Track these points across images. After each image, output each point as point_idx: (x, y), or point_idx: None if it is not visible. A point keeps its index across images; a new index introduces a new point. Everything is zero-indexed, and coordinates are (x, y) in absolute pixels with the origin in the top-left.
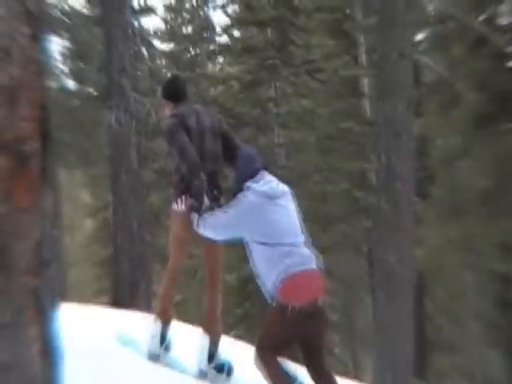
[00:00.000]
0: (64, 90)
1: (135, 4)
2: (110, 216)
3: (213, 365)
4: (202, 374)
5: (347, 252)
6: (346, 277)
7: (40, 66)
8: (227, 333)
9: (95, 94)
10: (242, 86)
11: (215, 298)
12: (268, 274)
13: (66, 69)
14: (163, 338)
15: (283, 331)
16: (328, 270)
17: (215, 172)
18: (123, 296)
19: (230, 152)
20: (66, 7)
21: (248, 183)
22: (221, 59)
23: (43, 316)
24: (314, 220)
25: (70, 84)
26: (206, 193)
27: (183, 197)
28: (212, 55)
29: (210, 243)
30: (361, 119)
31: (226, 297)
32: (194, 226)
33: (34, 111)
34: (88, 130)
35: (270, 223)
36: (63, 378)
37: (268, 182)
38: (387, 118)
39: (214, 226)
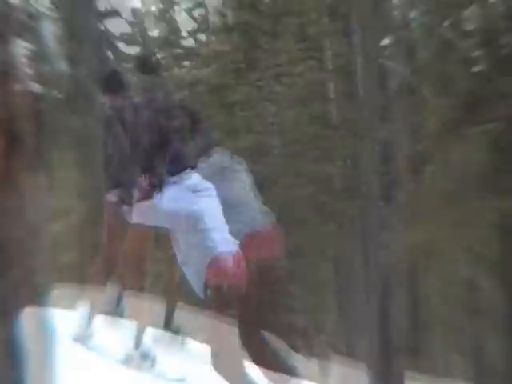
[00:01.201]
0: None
1: (101, 7)
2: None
3: (139, 352)
4: (128, 359)
5: (312, 256)
6: (310, 281)
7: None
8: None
9: (88, 75)
10: (207, 90)
11: (174, 265)
12: (196, 262)
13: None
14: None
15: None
16: (292, 274)
17: (152, 166)
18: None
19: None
20: (32, 9)
21: (173, 179)
22: (187, 63)
23: (7, 318)
24: (280, 224)
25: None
26: (138, 187)
27: (115, 192)
28: (178, 59)
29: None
30: (327, 123)
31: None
32: (122, 214)
33: (26, 93)
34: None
35: (193, 213)
36: (27, 379)
37: (192, 179)
38: (352, 122)
39: (144, 213)
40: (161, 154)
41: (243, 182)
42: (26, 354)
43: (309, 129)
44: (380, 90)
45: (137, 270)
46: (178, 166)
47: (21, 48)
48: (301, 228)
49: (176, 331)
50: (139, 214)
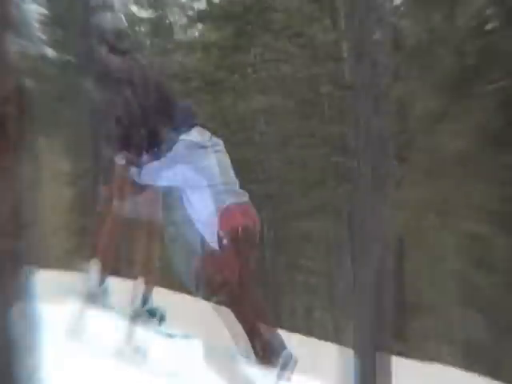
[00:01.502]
0: (43, 57)
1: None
2: (89, 184)
3: (145, 308)
4: (135, 316)
5: (327, 216)
6: (326, 241)
7: (13, 26)
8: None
9: (74, 61)
10: (220, 53)
11: (153, 245)
12: (208, 214)
13: (44, 37)
14: (102, 281)
15: (243, 255)
16: (308, 234)
17: (157, 130)
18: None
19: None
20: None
21: (182, 136)
22: (200, 26)
23: (21, 278)
24: (294, 185)
25: (50, 52)
26: (146, 148)
27: (125, 152)
28: (191, 21)
29: (150, 191)
30: (340, 83)
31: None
32: (134, 177)
33: (9, 75)
34: (68, 97)
35: (203, 168)
36: (40, 344)
37: (200, 135)
38: (365, 81)
39: (152, 172)
40: (161, 117)
41: (221, 160)
42: (38, 318)
43: (322, 89)
44: (394, 50)
45: (113, 250)
46: (185, 123)
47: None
48: (316, 188)
49: (153, 313)
50: (149, 174)
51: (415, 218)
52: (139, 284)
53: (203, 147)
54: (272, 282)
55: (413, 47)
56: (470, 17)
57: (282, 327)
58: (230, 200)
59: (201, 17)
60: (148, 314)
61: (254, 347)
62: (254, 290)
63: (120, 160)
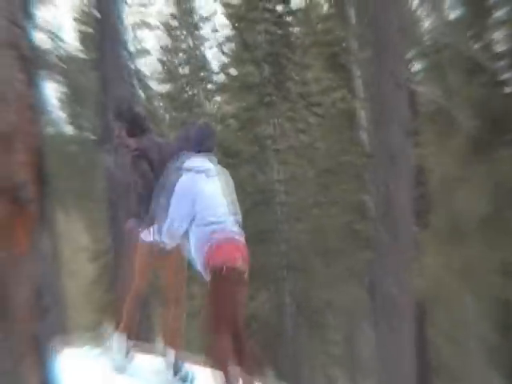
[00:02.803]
0: (61, 135)
1: (131, 46)
2: (110, 260)
3: (178, 376)
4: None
5: (349, 285)
6: (348, 309)
7: (35, 111)
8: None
9: (92, 138)
10: (240, 124)
11: (179, 314)
12: (201, 249)
13: (62, 114)
14: (127, 351)
15: (224, 295)
16: (330, 304)
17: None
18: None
19: None
20: (62, 52)
21: (184, 163)
22: (218, 98)
23: (43, 363)
24: (315, 254)
25: (67, 129)
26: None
27: (152, 228)
28: (209, 94)
29: (174, 259)
30: (359, 152)
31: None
32: (157, 238)
33: (29, 157)
34: (86, 174)
35: (203, 198)
36: None
37: (205, 162)
38: (384, 149)
39: (169, 223)
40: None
41: (226, 185)
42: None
43: (342, 158)
44: (411, 115)
45: (135, 323)
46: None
47: (52, 91)
48: (337, 256)
49: (185, 379)
50: (156, 231)
51: (438, 284)
52: (169, 354)
53: (206, 174)
54: (294, 351)
55: (431, 112)
56: (488, 80)
57: None
58: (220, 236)
59: (219, 89)
60: (181, 381)
61: None
62: (224, 335)
63: (146, 236)
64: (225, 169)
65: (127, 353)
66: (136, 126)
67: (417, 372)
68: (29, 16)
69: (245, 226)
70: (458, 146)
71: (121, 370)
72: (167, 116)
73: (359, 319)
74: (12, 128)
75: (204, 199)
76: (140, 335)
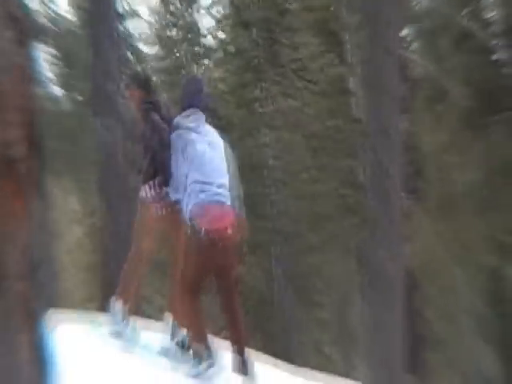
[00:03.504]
0: (50, 96)
1: (120, 8)
2: (97, 222)
3: (175, 341)
4: (165, 351)
5: (336, 251)
6: (336, 275)
7: (26, 71)
8: (217, 334)
9: (81, 99)
10: (227, 88)
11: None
12: (187, 202)
13: (52, 75)
14: (124, 316)
15: (199, 258)
16: (317, 269)
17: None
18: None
19: None
20: (51, 13)
21: (176, 119)
22: (206, 61)
23: (33, 321)
24: (303, 219)
25: (57, 90)
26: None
27: (151, 183)
28: (197, 57)
29: (178, 229)
30: (348, 117)
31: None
32: (166, 197)
33: (20, 116)
34: (75, 136)
35: (196, 156)
36: None
37: (186, 118)
38: (374, 115)
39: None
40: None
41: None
42: (54, 360)
43: (330, 123)
44: (401, 82)
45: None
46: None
47: (41, 52)
48: (325, 222)
49: (183, 345)
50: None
51: (426, 251)
52: (167, 318)
53: (196, 131)
54: (282, 316)
55: (420, 78)
56: (477, 47)
57: (292, 362)
58: (208, 201)
59: (207, 53)
60: (178, 346)
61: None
62: (192, 294)
63: (148, 193)
64: (214, 129)
65: (123, 319)
66: (147, 87)
67: (406, 342)
68: None
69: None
70: (448, 114)
71: (118, 335)
72: (155, 78)
73: (347, 286)
74: (2, 87)
75: (192, 155)
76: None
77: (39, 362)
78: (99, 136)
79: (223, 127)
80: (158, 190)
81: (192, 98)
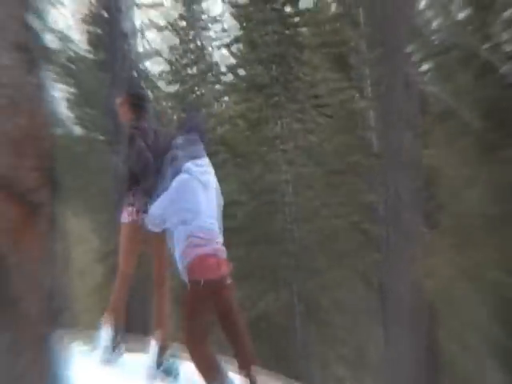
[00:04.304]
0: (70, 136)
1: (139, 47)
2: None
3: (162, 368)
4: (152, 377)
5: (358, 285)
6: (357, 310)
7: (46, 114)
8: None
9: (101, 138)
10: (248, 125)
11: (164, 296)
12: (182, 253)
13: (71, 115)
14: (113, 343)
15: (199, 305)
16: (339, 305)
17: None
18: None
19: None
20: (71, 53)
21: (188, 164)
22: (226, 98)
23: (52, 365)
24: (324, 255)
25: (76, 130)
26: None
27: (131, 209)
28: (218, 95)
29: (159, 245)
30: (368, 152)
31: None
32: (145, 223)
33: (41, 161)
34: (94, 175)
35: (197, 202)
36: None
37: (206, 173)
38: (394, 149)
39: (156, 210)
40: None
41: (209, 197)
42: (63, 378)
43: (350, 158)
44: (420, 116)
45: (123, 305)
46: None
47: (61, 92)
48: (346, 257)
49: (168, 372)
50: (153, 208)
51: (447, 284)
52: (154, 341)
53: (205, 186)
54: (304, 353)
55: (440, 112)
56: (498, 81)
57: None
58: (202, 249)
59: (227, 89)
60: (164, 373)
61: None
62: (201, 344)
63: (127, 217)
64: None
65: (114, 345)
66: (139, 102)
67: (425, 373)
68: (38, 18)
69: (253, 226)
70: (467, 147)
71: (108, 362)
72: (175, 117)
73: (368, 320)
74: (23, 132)
75: (196, 208)
76: (132, 327)
77: (51, 382)
78: (118, 175)
79: (243, 164)
80: (135, 217)
81: (194, 122)
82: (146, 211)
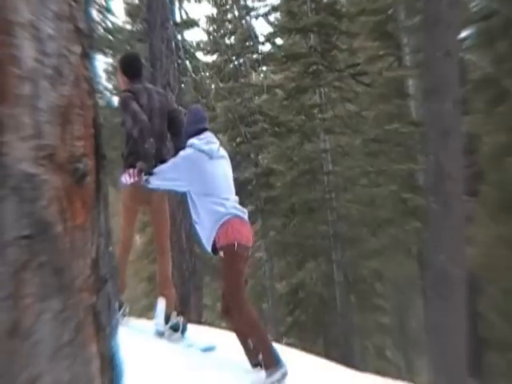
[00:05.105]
0: (108, 107)
1: (177, 17)
2: None
3: (169, 325)
4: (160, 334)
5: (398, 254)
6: (397, 279)
7: (91, 83)
8: (279, 341)
9: None
10: (286, 94)
11: (166, 263)
12: (209, 222)
13: (109, 86)
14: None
15: (238, 269)
16: (378, 274)
17: (161, 149)
18: (175, 310)
19: (174, 129)
20: (109, 24)
21: (191, 140)
22: (264, 68)
23: (103, 333)
24: (363, 224)
25: (114, 101)
26: (154, 164)
27: (131, 170)
28: (255, 64)
29: (157, 210)
30: (407, 120)
31: (277, 305)
32: (144, 184)
33: (86, 129)
34: None
35: (208, 176)
36: None
37: (210, 143)
38: (434, 118)
39: (159, 176)
40: (173, 135)
41: (226, 172)
42: (122, 369)
43: (389, 126)
44: (460, 84)
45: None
46: (196, 127)
47: (100, 63)
48: (385, 226)
49: (176, 328)
50: (156, 178)
51: (488, 253)
52: (160, 302)
53: (210, 156)
54: (343, 321)
55: (479, 80)
56: None
57: (354, 366)
58: (231, 214)
59: (265, 59)
60: (171, 329)
61: (251, 355)
62: (247, 303)
63: (128, 179)
64: (224, 150)
65: (122, 310)
66: (131, 72)
67: (468, 345)
68: None
69: (292, 195)
70: (506, 113)
71: (160, 335)
72: (213, 87)
73: (409, 289)
74: (68, 101)
75: (206, 178)
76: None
77: (110, 373)
78: None
79: (282, 133)
80: (137, 178)
81: (201, 123)
82: (146, 173)
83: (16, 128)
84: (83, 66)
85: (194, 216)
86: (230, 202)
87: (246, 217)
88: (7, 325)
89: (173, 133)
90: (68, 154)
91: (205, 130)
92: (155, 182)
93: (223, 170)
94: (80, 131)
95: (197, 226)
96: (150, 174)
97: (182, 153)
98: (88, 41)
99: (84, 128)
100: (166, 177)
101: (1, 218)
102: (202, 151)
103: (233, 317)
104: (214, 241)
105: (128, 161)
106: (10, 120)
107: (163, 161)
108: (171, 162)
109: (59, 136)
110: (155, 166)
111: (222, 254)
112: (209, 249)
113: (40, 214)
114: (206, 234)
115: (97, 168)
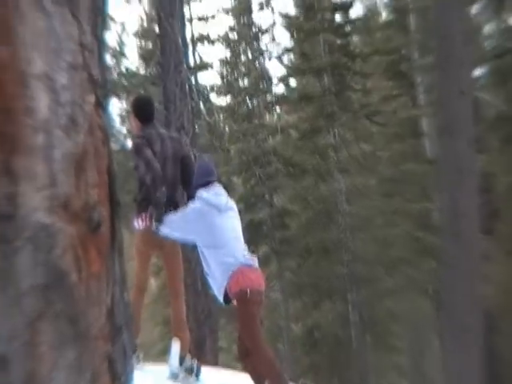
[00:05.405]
0: (123, 151)
1: (191, 60)
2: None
3: (183, 367)
4: (174, 376)
5: (413, 294)
6: (412, 319)
7: (105, 131)
8: (295, 381)
9: None
10: (300, 134)
11: (180, 306)
12: (220, 273)
13: (123, 129)
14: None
15: (252, 313)
16: (394, 313)
17: (173, 196)
18: (190, 353)
19: (184, 177)
20: (123, 68)
21: (200, 192)
22: (278, 109)
23: (118, 382)
24: (379, 264)
25: (128, 144)
26: (165, 211)
27: (144, 215)
28: (269, 106)
29: (170, 254)
30: (421, 159)
31: (293, 346)
32: (155, 230)
33: (101, 177)
34: None
35: (217, 230)
36: None
37: (219, 195)
38: (449, 156)
39: (168, 225)
40: (184, 182)
41: (234, 225)
42: None
43: (404, 166)
44: (474, 122)
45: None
46: (205, 179)
47: (114, 107)
48: (401, 265)
49: (190, 371)
50: (166, 226)
51: (504, 291)
52: (175, 343)
53: (218, 209)
54: (358, 361)
55: (493, 119)
56: None
57: None
58: (241, 263)
59: (279, 100)
60: (186, 371)
61: None
62: (263, 347)
63: (140, 223)
64: (233, 201)
65: (136, 354)
66: (143, 116)
67: (485, 382)
68: (98, 37)
69: (306, 236)
70: None
71: (176, 378)
72: (227, 128)
73: (425, 329)
74: (83, 149)
75: (215, 232)
76: None
77: None
78: None
79: (296, 174)
80: (148, 223)
81: (209, 176)
82: (158, 220)
83: (30, 178)
84: (97, 114)
85: (205, 268)
86: (239, 252)
87: (255, 264)
88: (24, 374)
89: (183, 181)
90: (82, 202)
91: (212, 181)
92: (165, 231)
93: (232, 223)
94: (94, 179)
95: (208, 278)
96: (161, 221)
97: (191, 205)
98: (102, 88)
99: (98, 175)
100: (174, 226)
101: (17, 267)
102: (212, 205)
103: (250, 359)
104: (226, 291)
105: (141, 206)
106: (24, 170)
107: (177, 206)
108: (181, 212)
109: (74, 184)
110: (168, 211)
111: (235, 302)
112: (221, 299)
113: (55, 262)
114: (218, 285)
115: (111, 216)
